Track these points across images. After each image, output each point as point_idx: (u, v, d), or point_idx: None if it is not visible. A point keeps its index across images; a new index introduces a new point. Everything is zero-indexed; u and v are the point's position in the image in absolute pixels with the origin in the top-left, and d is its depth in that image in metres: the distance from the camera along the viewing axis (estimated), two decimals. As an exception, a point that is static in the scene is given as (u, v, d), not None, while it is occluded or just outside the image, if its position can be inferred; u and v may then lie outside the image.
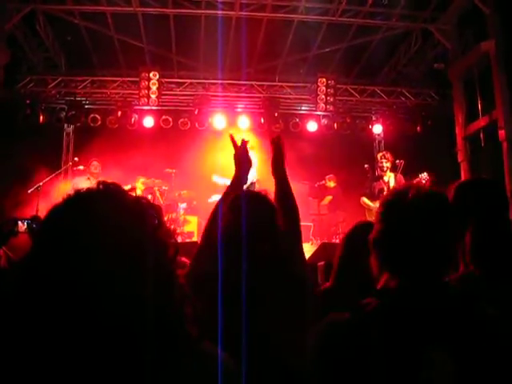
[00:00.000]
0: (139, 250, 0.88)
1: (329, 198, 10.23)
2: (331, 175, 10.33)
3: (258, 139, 9.53)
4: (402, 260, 1.31)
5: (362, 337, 1.21)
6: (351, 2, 9.12)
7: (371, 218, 7.71)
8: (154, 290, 0.87)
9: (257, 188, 7.05)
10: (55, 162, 10.70)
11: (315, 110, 11.00)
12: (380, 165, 8.59)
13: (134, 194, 0.99)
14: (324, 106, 10.66)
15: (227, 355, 1.02)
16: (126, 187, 1.02)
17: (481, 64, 8.90)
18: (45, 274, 0.85)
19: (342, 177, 10.28)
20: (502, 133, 8.13)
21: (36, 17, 9.32)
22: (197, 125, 10.83)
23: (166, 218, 7.65)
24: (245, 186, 2.46)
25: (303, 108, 11.69)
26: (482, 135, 9.17)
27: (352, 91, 11.30)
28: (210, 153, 10.38)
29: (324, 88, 10.57)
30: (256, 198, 2.14)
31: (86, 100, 11.07)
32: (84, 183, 8.37)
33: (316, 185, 10.39)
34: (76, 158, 9.75)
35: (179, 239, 8.48)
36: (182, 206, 9.62)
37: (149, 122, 10.77)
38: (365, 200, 8.51)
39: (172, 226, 7.77)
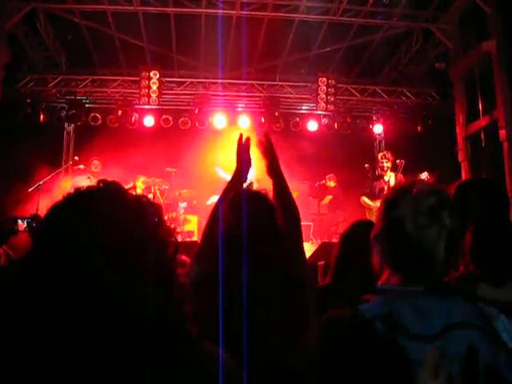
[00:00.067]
0: (139, 249, 0.88)
1: (329, 197, 10.23)
2: (331, 175, 10.33)
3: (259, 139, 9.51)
4: (403, 256, 1.30)
5: (362, 333, 1.21)
6: (352, 1, 9.09)
7: (371, 218, 7.70)
8: (154, 289, 0.86)
9: (255, 187, 7.03)
10: (56, 160, 10.71)
11: (316, 110, 11.00)
12: (380, 165, 8.60)
13: (134, 193, 0.99)
14: (324, 105, 10.65)
15: (228, 355, 1.01)
16: (127, 186, 1.02)
17: (482, 64, 8.89)
18: (45, 273, 0.84)
19: (342, 176, 10.28)
20: (502, 133, 8.13)
21: (37, 16, 9.31)
22: (197, 124, 10.83)
23: (166, 218, 7.65)
24: (244, 185, 2.46)
25: (304, 107, 11.70)
26: (482, 135, 9.16)
27: (353, 91, 11.30)
28: (210, 152, 10.37)
29: (325, 87, 10.56)
30: (256, 197, 2.14)
31: (86, 99, 11.08)
32: (84, 182, 8.35)
33: (316, 184, 10.40)
34: (76, 157, 9.76)
35: (179, 238, 8.48)
36: (183, 205, 9.62)
37: (149, 121, 10.78)
38: (365, 199, 8.51)
39: (172, 225, 7.76)
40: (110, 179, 0.98)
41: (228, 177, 2.44)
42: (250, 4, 9.09)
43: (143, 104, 10.46)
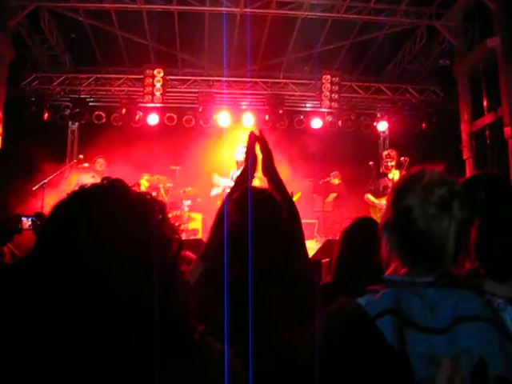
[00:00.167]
0: (143, 246, 0.88)
1: (333, 195, 10.21)
2: (336, 172, 10.31)
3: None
4: (411, 246, 1.29)
5: (366, 332, 1.20)
6: (356, -2, 9.10)
7: (375, 215, 7.71)
8: (158, 285, 0.87)
9: (260, 185, 7.03)
10: (60, 159, 10.71)
11: (320, 107, 10.97)
12: (385, 164, 8.59)
13: (138, 190, 0.99)
14: (328, 102, 10.64)
15: (232, 351, 1.01)
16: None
17: (486, 60, 8.85)
18: (49, 271, 0.85)
19: (346, 174, 10.25)
20: (507, 130, 8.09)
21: (40, 14, 9.32)
22: (201, 122, 10.82)
23: (170, 216, 7.65)
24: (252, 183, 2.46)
25: (308, 105, 11.67)
26: (487, 132, 9.13)
27: (357, 88, 11.28)
28: (214, 150, 10.38)
29: (328, 85, 10.54)
30: (262, 195, 2.13)
31: (90, 97, 11.08)
32: (89, 180, 8.37)
33: (320, 182, 10.37)
34: (81, 156, 9.79)
35: (183, 236, 8.48)
36: (187, 203, 9.61)
37: (153, 119, 10.77)
38: (369, 197, 8.49)
39: (177, 223, 7.76)
40: (114, 177, 0.98)
41: (228, 183, 2.45)
42: (254, 2, 9.08)
43: (147, 102, 10.47)
